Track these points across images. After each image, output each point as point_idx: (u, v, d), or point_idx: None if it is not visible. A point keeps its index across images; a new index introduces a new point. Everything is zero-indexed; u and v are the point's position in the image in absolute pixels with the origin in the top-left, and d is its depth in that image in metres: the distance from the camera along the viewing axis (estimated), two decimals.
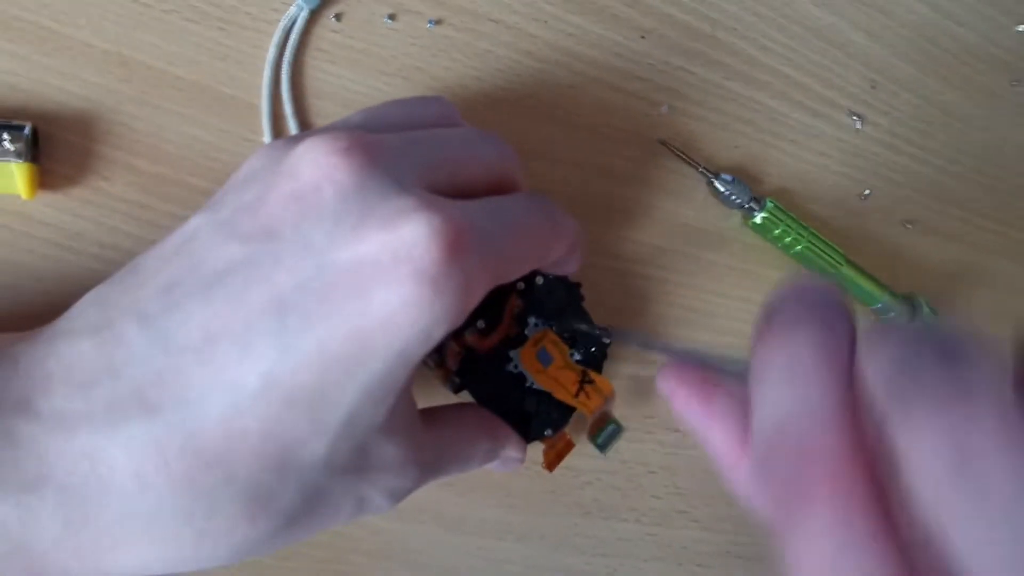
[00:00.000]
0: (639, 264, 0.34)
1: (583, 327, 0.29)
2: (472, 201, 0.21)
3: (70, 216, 0.27)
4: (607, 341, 0.30)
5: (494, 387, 0.28)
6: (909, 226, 0.39)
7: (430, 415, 0.25)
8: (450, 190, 0.21)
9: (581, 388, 0.29)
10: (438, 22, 0.30)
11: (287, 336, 0.18)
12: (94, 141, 0.27)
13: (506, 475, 0.33)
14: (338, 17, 0.29)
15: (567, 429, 0.30)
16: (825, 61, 0.37)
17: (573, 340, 0.29)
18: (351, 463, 0.20)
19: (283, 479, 0.19)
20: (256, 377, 0.18)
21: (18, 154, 0.25)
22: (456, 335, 0.27)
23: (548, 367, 0.28)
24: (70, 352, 0.19)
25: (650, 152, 0.34)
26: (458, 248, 0.18)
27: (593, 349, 0.30)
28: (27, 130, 0.25)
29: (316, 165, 0.19)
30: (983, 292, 0.41)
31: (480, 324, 0.27)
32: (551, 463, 0.30)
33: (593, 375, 0.29)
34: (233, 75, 0.28)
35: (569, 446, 0.31)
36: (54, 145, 0.27)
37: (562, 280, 0.29)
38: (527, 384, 0.28)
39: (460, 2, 0.31)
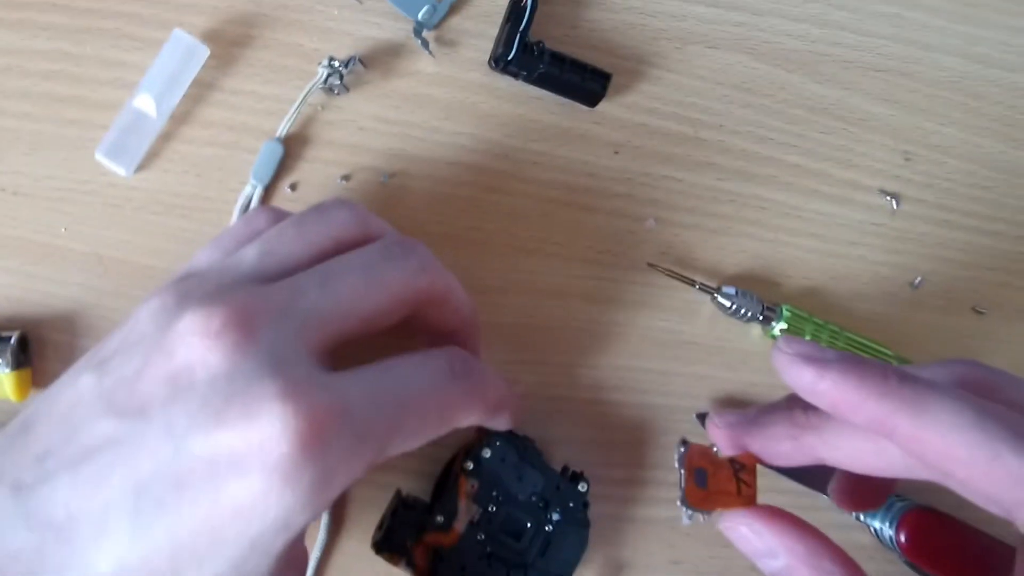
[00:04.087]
0: (641, 393, 0.31)
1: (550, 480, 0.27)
2: (358, 372, 0.20)
3: None
4: (584, 489, 0.27)
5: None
6: (983, 311, 0.33)
7: None
8: (345, 336, 0.21)
9: (738, 481, 0.25)
10: (392, 175, 0.30)
11: (140, 521, 0.19)
12: (78, 336, 0.29)
13: None
14: (293, 187, 0.30)
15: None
16: (840, 141, 0.33)
17: (546, 502, 0.27)
18: None
19: None
20: (108, 562, 0.19)
21: (6, 364, 0.27)
22: (418, 537, 0.26)
23: (708, 485, 0.25)
24: None
25: (641, 271, 0.31)
26: (315, 441, 0.18)
27: (571, 505, 0.27)
28: (13, 340, 0.27)
29: (191, 347, 0.19)
30: None
31: (439, 519, 0.26)
32: None
33: (739, 458, 0.25)
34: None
35: None
36: (43, 345, 0.29)
37: (510, 440, 0.27)
38: (510, 562, 0.26)
39: (414, 152, 0.31)
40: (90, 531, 0.19)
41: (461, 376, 0.22)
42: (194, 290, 0.21)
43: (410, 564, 0.26)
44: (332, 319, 0.21)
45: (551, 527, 0.27)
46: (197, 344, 0.19)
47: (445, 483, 0.27)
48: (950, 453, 0.18)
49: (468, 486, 0.26)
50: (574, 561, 0.27)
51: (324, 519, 0.28)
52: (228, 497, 0.18)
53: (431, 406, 0.21)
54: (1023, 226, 0.34)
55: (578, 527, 0.27)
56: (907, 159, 0.33)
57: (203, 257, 0.24)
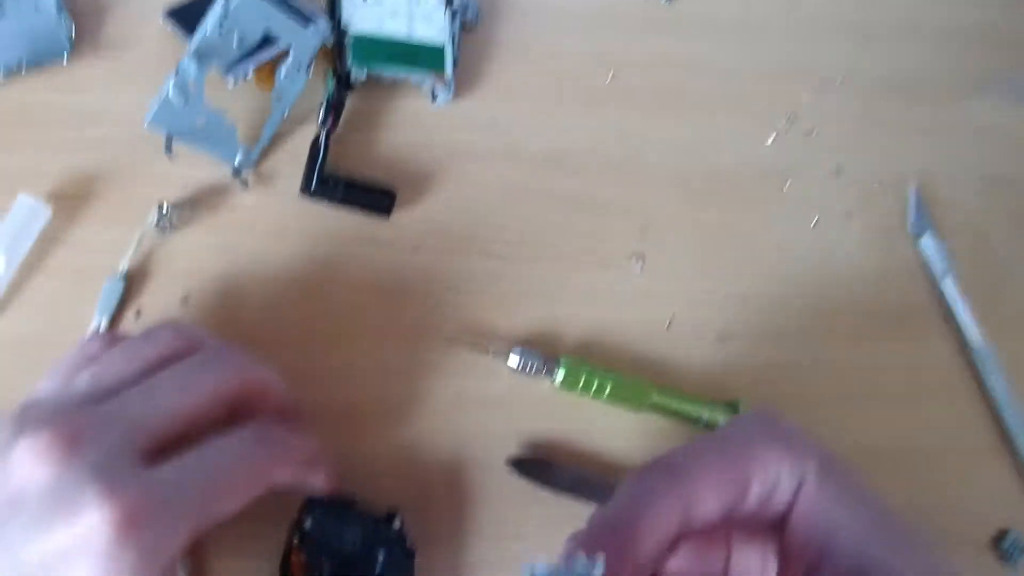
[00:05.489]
0: (455, 448, 0.37)
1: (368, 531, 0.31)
2: (174, 461, 0.24)
3: None
4: (398, 525, 0.32)
5: None
6: (724, 341, 0.42)
7: None
8: (171, 435, 0.25)
9: None
10: (228, 293, 0.36)
11: None
12: None
13: None
14: (138, 314, 0.35)
15: None
16: (590, 221, 0.42)
17: (370, 547, 0.31)
18: None
19: None
20: None
21: None
22: None
23: None
24: None
25: (446, 344, 0.38)
26: (131, 526, 0.22)
27: (392, 540, 0.31)
28: None
29: (23, 467, 0.23)
30: (808, 383, 0.43)
31: None
32: None
33: None
34: None
35: None
36: None
37: (331, 506, 0.31)
38: None
39: (245, 271, 0.36)
40: None
41: (265, 442, 0.27)
42: (31, 418, 0.24)
43: None
44: (154, 424, 0.25)
45: (379, 567, 0.31)
46: (28, 464, 0.23)
47: (286, 561, 0.30)
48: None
49: (300, 558, 0.30)
50: None
51: None
52: None
53: (240, 473, 0.26)
54: (743, 274, 0.44)
55: (401, 557, 0.31)
56: (642, 230, 0.43)
57: (43, 387, 0.27)
